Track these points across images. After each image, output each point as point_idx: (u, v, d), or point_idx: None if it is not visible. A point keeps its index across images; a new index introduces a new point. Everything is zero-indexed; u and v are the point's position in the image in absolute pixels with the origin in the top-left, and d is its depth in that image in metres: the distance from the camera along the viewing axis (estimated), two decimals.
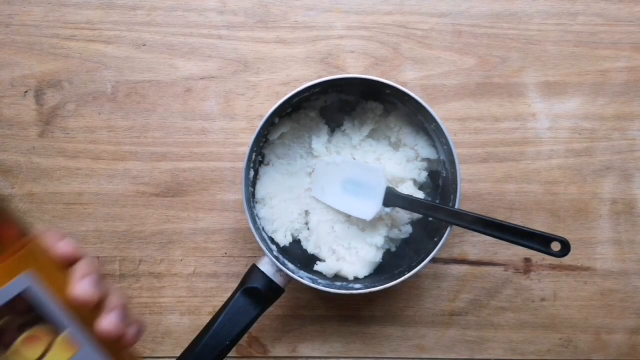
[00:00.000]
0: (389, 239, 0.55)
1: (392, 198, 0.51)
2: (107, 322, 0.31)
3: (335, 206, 0.53)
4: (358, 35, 0.57)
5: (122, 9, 0.58)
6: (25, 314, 0.28)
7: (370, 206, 0.51)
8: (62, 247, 0.31)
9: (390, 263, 0.54)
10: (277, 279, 0.49)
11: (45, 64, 0.58)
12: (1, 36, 0.58)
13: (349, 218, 0.54)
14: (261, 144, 0.54)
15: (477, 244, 0.58)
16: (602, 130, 0.57)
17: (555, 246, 0.44)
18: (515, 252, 0.57)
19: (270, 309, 0.50)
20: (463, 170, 0.56)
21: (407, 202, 0.50)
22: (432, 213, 0.49)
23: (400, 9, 0.57)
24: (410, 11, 0.57)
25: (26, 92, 0.58)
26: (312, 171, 0.55)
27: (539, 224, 0.57)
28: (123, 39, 0.58)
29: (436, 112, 0.48)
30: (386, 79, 0.48)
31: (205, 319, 0.49)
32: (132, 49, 0.58)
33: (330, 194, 0.54)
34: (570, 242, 0.44)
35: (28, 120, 0.58)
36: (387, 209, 0.53)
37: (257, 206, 0.54)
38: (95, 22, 0.58)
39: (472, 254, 0.58)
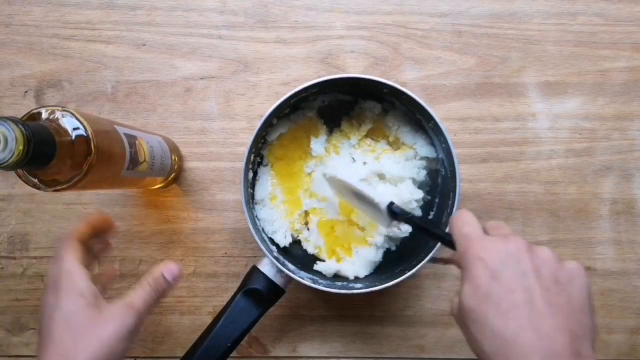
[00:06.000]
0: (388, 238, 0.55)
1: (394, 215, 0.47)
2: None
3: (359, 187, 0.48)
4: (358, 35, 0.57)
5: (122, 9, 0.58)
6: None
7: (380, 221, 0.50)
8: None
9: (390, 263, 0.54)
10: (278, 280, 0.49)
11: (45, 64, 0.58)
12: (1, 36, 0.58)
13: (348, 218, 0.54)
14: (260, 145, 0.54)
15: None
16: (602, 130, 0.57)
17: None
18: None
19: (271, 309, 0.50)
20: (463, 170, 0.56)
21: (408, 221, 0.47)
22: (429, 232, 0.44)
23: (400, 9, 0.57)
24: (410, 11, 0.57)
25: (26, 92, 0.58)
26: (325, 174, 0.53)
27: (539, 224, 0.57)
28: (123, 39, 0.58)
29: (436, 112, 0.48)
30: (386, 79, 0.48)
31: (205, 319, 0.49)
32: (132, 49, 0.58)
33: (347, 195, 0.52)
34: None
35: None
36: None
37: (257, 207, 0.54)
38: (95, 22, 0.58)
39: None
